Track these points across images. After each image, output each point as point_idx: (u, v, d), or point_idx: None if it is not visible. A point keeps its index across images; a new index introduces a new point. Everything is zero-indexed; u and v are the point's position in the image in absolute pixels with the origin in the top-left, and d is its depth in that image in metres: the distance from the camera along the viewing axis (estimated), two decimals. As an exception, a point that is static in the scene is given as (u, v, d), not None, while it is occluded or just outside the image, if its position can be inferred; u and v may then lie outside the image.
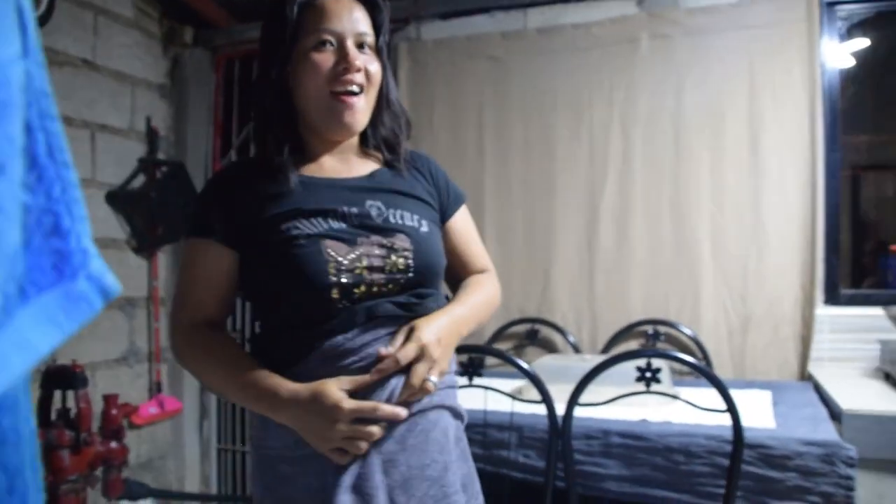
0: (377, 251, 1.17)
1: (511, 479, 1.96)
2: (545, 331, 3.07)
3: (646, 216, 2.94)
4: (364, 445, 1.10)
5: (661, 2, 2.96)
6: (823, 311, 2.72)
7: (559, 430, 1.82)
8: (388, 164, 1.31)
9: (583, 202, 3.03)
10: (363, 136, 1.32)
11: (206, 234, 1.20)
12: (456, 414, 1.26)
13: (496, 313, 1.71)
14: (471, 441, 1.33)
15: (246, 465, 3.43)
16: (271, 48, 1.23)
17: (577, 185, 3.03)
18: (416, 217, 1.24)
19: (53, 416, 2.35)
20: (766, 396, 2.32)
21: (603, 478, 1.91)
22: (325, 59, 1.19)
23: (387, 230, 1.20)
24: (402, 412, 1.11)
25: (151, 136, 3.19)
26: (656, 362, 1.84)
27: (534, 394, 1.86)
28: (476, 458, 1.34)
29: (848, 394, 2.09)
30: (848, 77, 2.94)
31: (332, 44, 1.20)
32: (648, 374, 1.82)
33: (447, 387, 1.23)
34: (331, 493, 1.10)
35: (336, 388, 1.10)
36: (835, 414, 1.99)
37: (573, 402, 1.81)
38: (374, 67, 1.23)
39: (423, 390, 1.14)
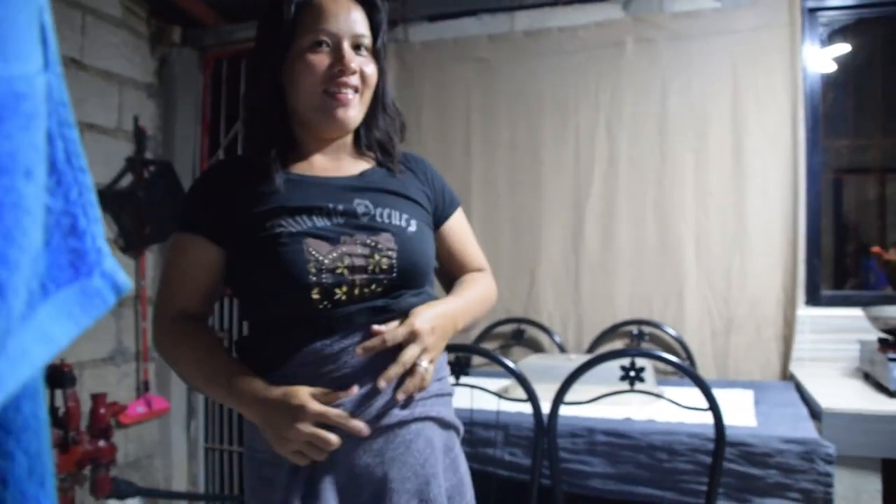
0: (360, 250, 1.16)
1: (497, 477, 1.99)
2: (531, 331, 3.10)
3: (631, 218, 2.97)
4: (321, 454, 1.09)
5: (646, 6, 2.99)
6: (805, 312, 2.76)
7: (545, 429, 1.85)
8: (380, 164, 1.31)
9: (569, 203, 3.06)
10: (357, 137, 1.31)
11: (192, 229, 1.20)
12: (445, 424, 1.23)
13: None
14: (458, 439, 1.33)
15: (234, 464, 3.44)
16: (266, 46, 1.22)
17: (563, 186, 3.06)
18: (404, 217, 1.23)
19: (41, 414, 2.35)
20: (748, 396, 2.36)
21: (588, 475, 1.94)
22: (321, 60, 1.18)
23: (372, 229, 1.18)
24: (365, 429, 1.09)
25: (139, 135, 3.19)
26: (640, 362, 1.87)
27: (520, 393, 1.88)
28: (462, 455, 1.35)
29: (828, 393, 2.12)
30: (829, 82, 2.99)
31: (328, 45, 1.19)
32: (632, 374, 1.85)
33: (433, 395, 1.20)
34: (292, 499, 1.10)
35: (306, 392, 1.09)
36: (815, 413, 2.03)
37: (558, 400, 1.83)
38: (370, 69, 1.23)
39: (414, 375, 1.13)
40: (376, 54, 1.25)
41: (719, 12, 2.88)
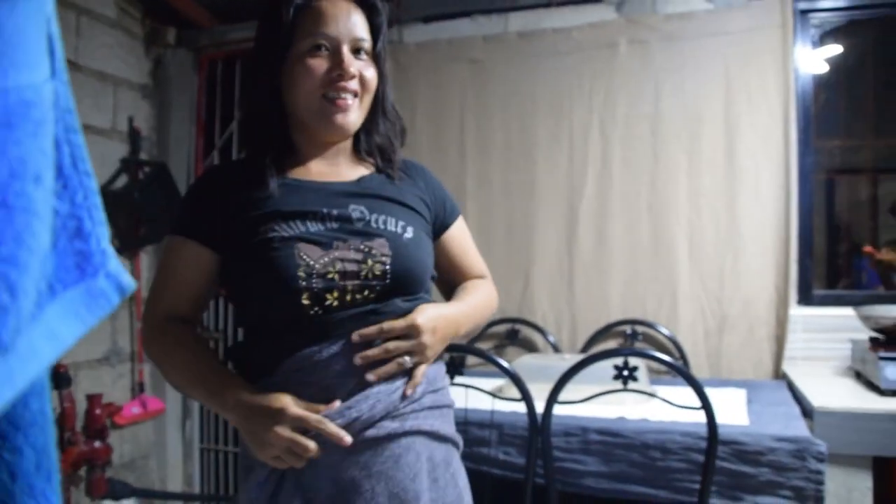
0: (353, 255, 1.13)
1: (492, 476, 2.00)
2: (525, 331, 3.11)
3: (624, 218, 2.98)
4: (300, 461, 1.07)
5: (639, 8, 3.01)
6: (797, 312, 2.78)
7: (539, 428, 1.86)
8: (379, 170, 1.29)
9: (562, 204, 3.07)
10: (356, 142, 1.30)
11: (185, 233, 1.19)
12: (440, 438, 1.19)
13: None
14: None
15: (229, 464, 3.44)
16: (265, 49, 1.20)
17: (557, 187, 3.07)
18: (400, 223, 1.20)
19: (36, 415, 2.36)
20: (740, 395, 2.38)
21: (582, 474, 1.95)
22: (320, 64, 1.16)
23: (367, 234, 1.16)
24: (346, 437, 1.05)
25: (134, 136, 3.19)
26: (633, 361, 1.88)
27: (514, 392, 1.89)
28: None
29: (820, 392, 2.14)
30: (821, 83, 3.01)
31: (327, 48, 1.17)
32: (626, 373, 1.86)
33: (426, 408, 1.16)
34: None
35: (288, 397, 1.08)
36: (807, 411, 2.04)
37: (552, 400, 1.84)
38: (370, 73, 1.21)
39: (396, 363, 1.12)
40: (376, 58, 1.23)
41: (712, 14, 2.90)
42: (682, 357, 2.83)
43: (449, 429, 1.22)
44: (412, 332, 1.13)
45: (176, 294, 1.20)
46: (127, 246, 3.12)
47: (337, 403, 1.08)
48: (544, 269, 3.08)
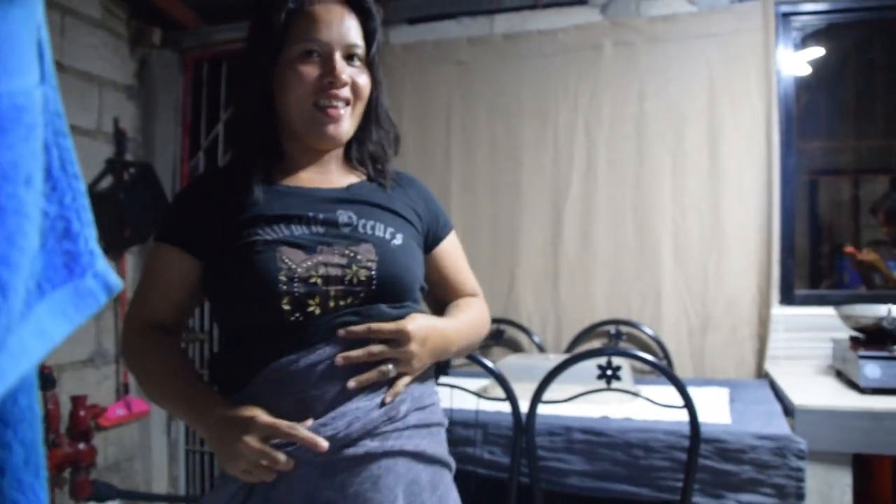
0: (337, 260, 1.09)
1: (476, 476, 2.01)
2: (510, 331, 3.13)
3: (609, 219, 3.00)
4: (270, 474, 1.02)
5: (623, 10, 3.03)
6: (779, 311, 2.81)
7: (523, 427, 1.87)
8: (371, 179, 1.25)
9: (548, 205, 3.09)
10: (348, 149, 1.26)
11: (169, 239, 1.16)
12: (427, 459, 1.13)
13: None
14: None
15: (214, 466, 3.43)
16: (255, 53, 1.17)
17: (543, 188, 3.09)
18: (389, 230, 1.16)
19: (20, 417, 2.34)
20: (723, 393, 2.40)
21: (566, 473, 1.97)
22: (311, 70, 1.13)
23: (353, 239, 1.11)
24: (321, 443, 1.00)
25: (119, 137, 3.18)
26: (617, 360, 1.90)
27: (499, 392, 1.90)
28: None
29: (801, 390, 2.17)
30: (802, 85, 3.04)
31: (318, 54, 1.13)
32: (609, 372, 1.88)
33: (411, 427, 1.10)
34: None
35: (260, 409, 1.03)
36: (788, 409, 2.07)
37: (536, 399, 1.85)
38: (363, 80, 1.17)
39: (374, 370, 1.06)
40: (370, 64, 1.20)
41: (695, 16, 2.93)
42: (666, 357, 2.85)
43: (438, 449, 1.16)
44: (400, 338, 1.08)
45: (158, 301, 1.17)
46: (112, 247, 3.11)
47: (309, 422, 1.03)
48: (529, 269, 3.10)
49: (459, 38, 3.22)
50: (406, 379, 1.10)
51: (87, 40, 3.03)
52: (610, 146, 3.01)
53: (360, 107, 1.20)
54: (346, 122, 1.17)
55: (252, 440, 1.00)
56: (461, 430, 2.04)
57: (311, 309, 1.06)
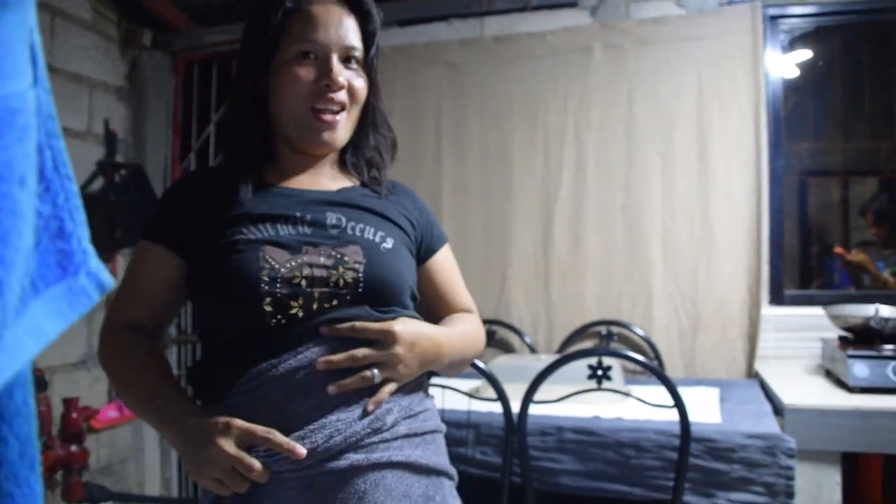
0: (323, 261, 1.04)
1: (469, 476, 2.01)
2: (502, 332, 3.14)
3: (599, 220, 3.02)
4: (242, 484, 0.95)
5: (613, 13, 3.05)
6: (769, 312, 2.83)
7: (515, 427, 1.87)
8: (364, 185, 1.21)
9: (538, 206, 3.10)
10: (343, 154, 1.23)
11: (153, 238, 1.12)
12: (420, 470, 1.05)
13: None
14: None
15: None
16: (251, 53, 1.13)
17: (533, 189, 3.10)
18: (380, 233, 1.11)
19: (11, 420, 2.34)
20: (713, 393, 2.42)
21: (558, 473, 1.97)
22: (307, 72, 1.09)
23: (340, 241, 1.07)
24: (299, 449, 0.94)
25: (110, 138, 3.17)
26: (607, 361, 1.91)
27: (490, 392, 1.91)
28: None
29: (790, 390, 2.18)
30: (790, 87, 3.07)
31: (315, 56, 1.10)
32: (600, 372, 1.89)
33: (401, 437, 1.04)
34: None
35: (235, 417, 0.97)
36: (778, 409, 2.08)
37: (528, 399, 1.86)
38: (359, 84, 1.14)
39: (357, 376, 1.00)
40: (368, 68, 1.17)
41: (684, 19, 2.95)
42: (657, 357, 2.86)
43: (433, 458, 1.08)
44: (386, 339, 1.02)
45: (138, 300, 1.13)
46: (103, 249, 3.10)
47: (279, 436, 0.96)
48: (520, 270, 3.11)
49: (450, 40, 3.23)
50: (391, 386, 1.03)
51: (77, 42, 3.03)
52: (599, 148, 3.02)
53: (356, 111, 1.16)
54: (342, 129, 1.14)
55: (227, 444, 0.94)
56: (453, 430, 2.05)
57: (293, 311, 1.01)
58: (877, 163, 4.03)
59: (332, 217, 1.10)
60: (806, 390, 2.21)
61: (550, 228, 3.07)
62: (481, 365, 1.89)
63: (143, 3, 3.22)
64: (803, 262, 3.86)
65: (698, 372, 2.86)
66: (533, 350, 3.04)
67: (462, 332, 1.20)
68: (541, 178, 3.10)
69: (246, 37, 1.16)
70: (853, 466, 2.38)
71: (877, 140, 3.89)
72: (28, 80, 0.32)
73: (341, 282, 1.04)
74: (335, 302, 1.03)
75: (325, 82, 1.09)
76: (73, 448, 2.48)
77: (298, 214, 1.08)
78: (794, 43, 3.02)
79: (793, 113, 3.12)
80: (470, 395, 2.03)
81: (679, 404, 1.76)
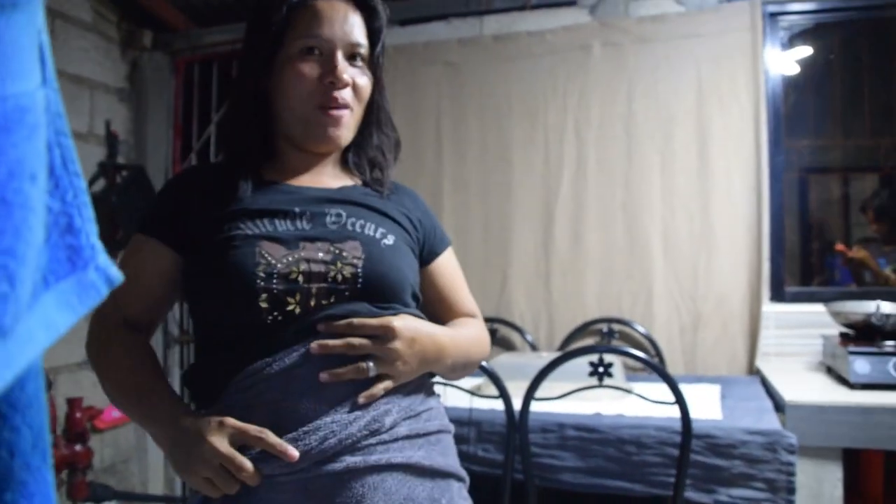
0: (321, 256, 1.02)
1: (471, 473, 2.02)
2: (503, 330, 3.14)
3: (600, 218, 3.02)
4: (233, 486, 0.93)
5: (612, 11, 3.06)
6: (770, 308, 2.83)
7: (516, 425, 1.88)
8: (366, 184, 1.19)
9: (538, 205, 3.10)
10: (345, 153, 1.20)
11: (149, 230, 1.09)
12: (424, 472, 1.02)
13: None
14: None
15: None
16: (254, 49, 1.11)
17: (533, 188, 3.11)
18: (380, 230, 1.09)
19: (15, 420, 2.35)
20: (714, 390, 2.42)
21: (559, 469, 1.98)
22: (311, 69, 1.07)
23: (339, 236, 1.05)
24: (292, 452, 0.91)
25: (111, 140, 3.18)
26: (608, 358, 1.92)
27: (492, 390, 1.91)
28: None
29: (791, 386, 2.18)
30: (790, 84, 3.07)
31: (320, 52, 1.07)
32: (601, 370, 1.89)
33: (402, 438, 1.00)
34: None
35: (229, 416, 0.95)
36: (779, 405, 2.08)
37: (529, 396, 1.86)
38: (364, 81, 1.12)
39: (351, 367, 0.98)
40: (373, 65, 1.14)
41: (683, 17, 2.95)
42: (658, 354, 2.87)
43: (439, 460, 1.05)
44: (385, 334, 0.99)
45: (131, 294, 1.07)
46: (105, 249, 3.10)
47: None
48: (521, 269, 3.11)
49: (449, 39, 3.24)
50: (387, 382, 1.00)
51: (78, 43, 3.03)
52: (599, 146, 3.03)
53: (360, 109, 1.14)
54: (347, 127, 1.11)
55: (219, 442, 0.92)
56: (455, 428, 2.05)
57: (290, 307, 0.99)
58: (877, 159, 4.03)
59: (331, 213, 1.08)
60: (807, 387, 2.21)
61: (551, 226, 3.08)
62: (483, 362, 1.89)
63: (144, 5, 3.23)
64: (804, 259, 3.87)
65: (699, 369, 2.87)
66: (534, 348, 3.04)
67: (466, 335, 1.17)
68: (541, 177, 3.10)
69: (249, 32, 1.14)
70: (854, 463, 2.38)
71: (877, 136, 3.90)
72: (37, 79, 0.33)
73: (339, 277, 1.01)
74: (333, 298, 1.01)
75: (330, 79, 1.07)
76: (78, 448, 2.49)
77: (297, 210, 1.06)
78: (793, 40, 3.03)
79: (793, 110, 3.13)
80: (472, 392, 2.03)
81: (680, 401, 1.77)
